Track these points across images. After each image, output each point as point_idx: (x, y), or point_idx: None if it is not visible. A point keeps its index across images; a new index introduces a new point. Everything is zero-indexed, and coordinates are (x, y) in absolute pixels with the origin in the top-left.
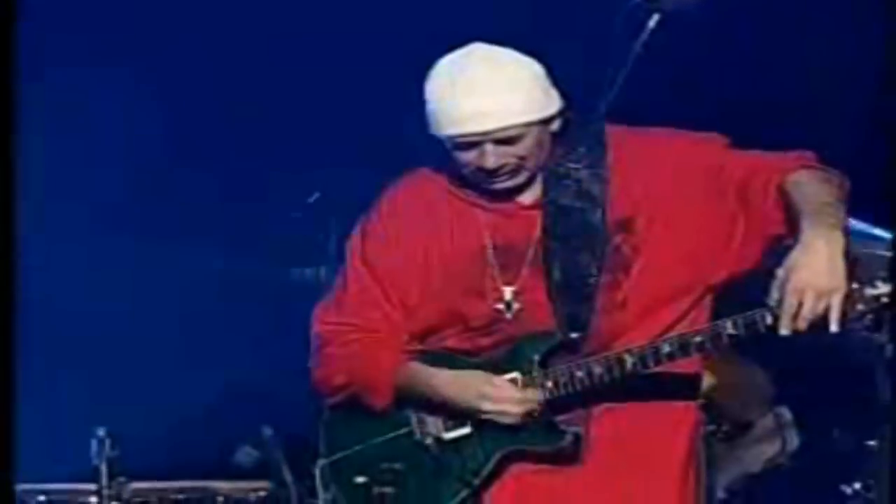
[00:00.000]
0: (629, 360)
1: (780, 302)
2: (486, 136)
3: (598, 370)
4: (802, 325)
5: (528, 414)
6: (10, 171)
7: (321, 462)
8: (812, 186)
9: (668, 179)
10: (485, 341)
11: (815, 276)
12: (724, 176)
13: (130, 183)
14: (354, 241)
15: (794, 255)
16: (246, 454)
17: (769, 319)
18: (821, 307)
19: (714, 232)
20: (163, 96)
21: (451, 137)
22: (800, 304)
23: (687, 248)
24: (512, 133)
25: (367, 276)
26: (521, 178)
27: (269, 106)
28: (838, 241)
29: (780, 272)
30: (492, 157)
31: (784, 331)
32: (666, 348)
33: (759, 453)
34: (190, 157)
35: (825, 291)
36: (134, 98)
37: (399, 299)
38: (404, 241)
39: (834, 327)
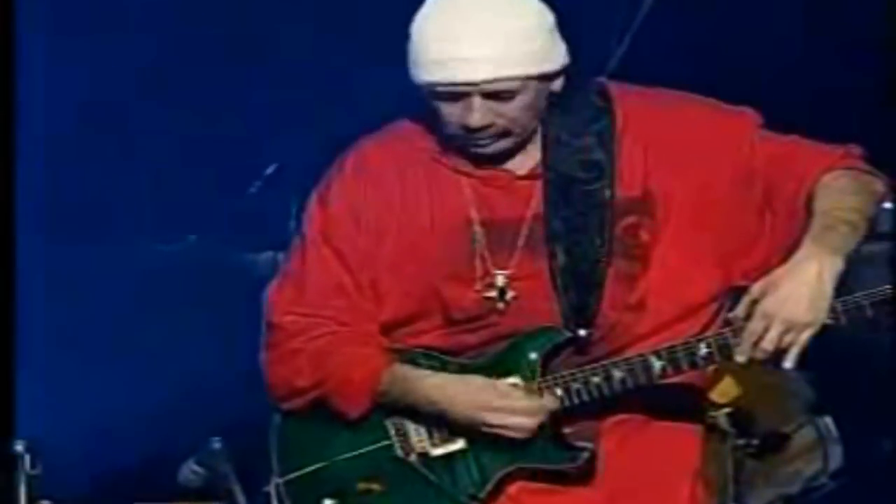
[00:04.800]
0: (657, 364)
1: (745, 321)
2: (475, 86)
3: (618, 375)
4: (761, 355)
5: (540, 427)
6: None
7: (276, 480)
8: (837, 197)
9: (689, 157)
10: (470, 338)
11: (791, 304)
12: (755, 164)
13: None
14: (313, 212)
15: (778, 273)
16: (191, 472)
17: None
18: (786, 340)
19: (743, 227)
20: (99, 65)
21: (433, 85)
22: (765, 331)
23: (714, 242)
24: (505, 86)
25: (331, 256)
26: (506, 144)
27: (219, 66)
28: (834, 267)
29: (755, 287)
30: (478, 113)
31: (740, 357)
32: (703, 349)
33: (797, 471)
34: (119, 124)
35: (796, 324)
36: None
37: (368, 284)
38: (373, 213)
39: (788, 364)
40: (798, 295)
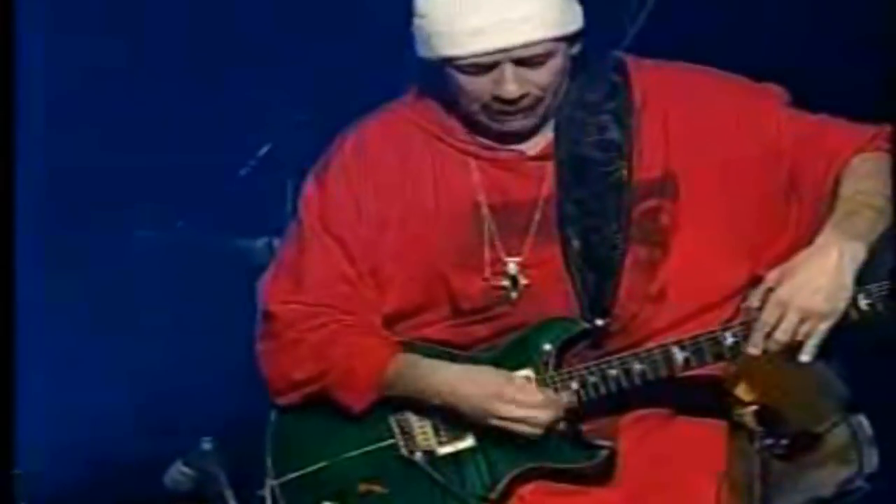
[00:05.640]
0: (680, 355)
1: (759, 311)
2: (508, 53)
3: (638, 367)
4: (774, 346)
5: (554, 424)
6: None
7: (271, 482)
8: (864, 181)
9: (711, 135)
10: (479, 330)
11: (809, 293)
12: (782, 144)
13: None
14: (310, 195)
15: (796, 260)
16: (179, 473)
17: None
18: (802, 331)
19: (768, 212)
20: (97, 57)
21: (459, 59)
22: (779, 321)
23: (738, 228)
24: (539, 50)
25: (331, 243)
26: (536, 118)
27: (210, 42)
28: (855, 255)
29: (771, 274)
30: (512, 82)
31: (752, 349)
32: (729, 339)
33: (830, 474)
34: (109, 109)
35: (813, 314)
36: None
37: (370, 273)
38: (374, 198)
39: (805, 358)
40: (815, 283)
